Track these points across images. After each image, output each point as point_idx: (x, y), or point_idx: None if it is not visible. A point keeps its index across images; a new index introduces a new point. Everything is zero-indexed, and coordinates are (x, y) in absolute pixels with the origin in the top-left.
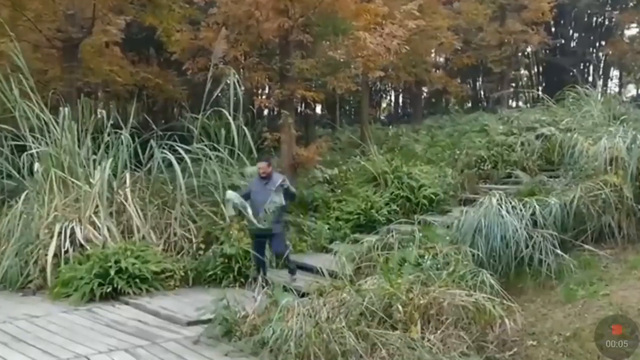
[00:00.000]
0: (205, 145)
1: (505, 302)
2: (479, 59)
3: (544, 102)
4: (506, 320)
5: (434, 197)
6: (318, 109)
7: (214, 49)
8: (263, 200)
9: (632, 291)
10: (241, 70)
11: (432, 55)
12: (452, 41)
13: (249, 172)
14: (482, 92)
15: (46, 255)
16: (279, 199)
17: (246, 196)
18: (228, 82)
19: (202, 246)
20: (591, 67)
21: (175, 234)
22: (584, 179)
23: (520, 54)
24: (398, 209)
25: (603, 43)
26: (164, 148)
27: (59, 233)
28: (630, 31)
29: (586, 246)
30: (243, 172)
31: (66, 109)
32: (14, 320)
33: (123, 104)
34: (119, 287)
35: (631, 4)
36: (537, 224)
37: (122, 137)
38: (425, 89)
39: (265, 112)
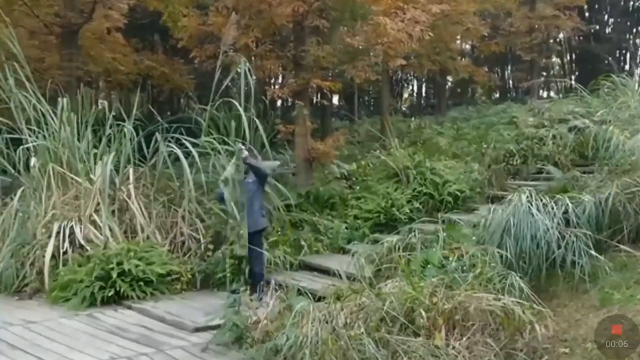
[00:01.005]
0: (214, 139)
1: (535, 306)
2: (508, 46)
3: (577, 92)
4: (537, 326)
5: (459, 194)
6: (335, 100)
7: (223, 36)
8: (243, 194)
9: None
10: (252, 58)
11: (458, 42)
12: (479, 27)
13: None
14: (510, 82)
15: (43, 256)
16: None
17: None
18: (238, 70)
19: (211, 247)
20: (628, 55)
21: (182, 234)
22: (620, 174)
23: (551, 40)
24: (421, 206)
25: None
26: (169, 141)
27: (57, 233)
28: None
29: (622, 247)
30: None
31: (65, 99)
32: (9, 327)
33: (126, 94)
34: (122, 290)
35: None
36: (569, 223)
37: (125, 129)
38: (450, 79)
39: (279, 103)
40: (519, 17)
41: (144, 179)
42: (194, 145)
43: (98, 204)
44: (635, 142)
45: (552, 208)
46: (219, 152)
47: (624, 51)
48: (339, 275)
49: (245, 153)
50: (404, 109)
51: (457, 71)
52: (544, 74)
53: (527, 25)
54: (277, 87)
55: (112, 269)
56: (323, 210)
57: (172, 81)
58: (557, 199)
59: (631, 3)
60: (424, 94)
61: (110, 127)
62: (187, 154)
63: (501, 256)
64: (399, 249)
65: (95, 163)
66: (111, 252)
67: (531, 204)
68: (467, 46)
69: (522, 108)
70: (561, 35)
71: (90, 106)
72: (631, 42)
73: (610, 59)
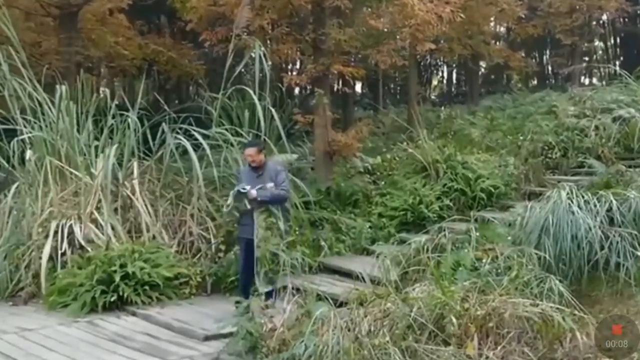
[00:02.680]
0: (226, 130)
1: (576, 312)
2: (546, 28)
3: (621, 79)
4: (578, 334)
5: (493, 190)
6: (358, 88)
7: (236, 17)
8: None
9: None
10: (268, 41)
11: (492, 24)
12: (515, 8)
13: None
14: (549, 68)
15: (40, 258)
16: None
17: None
18: (252, 55)
19: (223, 247)
20: None
21: (190, 234)
22: None
23: (594, 22)
24: (451, 204)
25: None
26: (177, 133)
27: (55, 232)
28: None
29: None
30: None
31: (63, 87)
32: (2, 335)
33: (130, 81)
34: (125, 295)
35: None
36: (614, 221)
37: (129, 120)
38: (483, 64)
39: (296, 91)
40: None
41: (150, 173)
42: (204, 136)
43: (99, 201)
44: None
45: (595, 205)
46: (232, 145)
47: None
48: (362, 278)
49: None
50: (433, 97)
51: (490, 56)
52: (586, 59)
53: (567, 6)
54: (294, 73)
55: (115, 271)
56: (345, 208)
57: (180, 67)
58: (600, 196)
59: None
60: (454, 81)
61: (113, 117)
62: (197, 147)
63: (539, 258)
64: (427, 249)
65: (96, 156)
66: (114, 254)
67: (572, 201)
68: (502, 29)
69: (562, 96)
70: (604, 17)
71: (91, 94)
72: None
73: None
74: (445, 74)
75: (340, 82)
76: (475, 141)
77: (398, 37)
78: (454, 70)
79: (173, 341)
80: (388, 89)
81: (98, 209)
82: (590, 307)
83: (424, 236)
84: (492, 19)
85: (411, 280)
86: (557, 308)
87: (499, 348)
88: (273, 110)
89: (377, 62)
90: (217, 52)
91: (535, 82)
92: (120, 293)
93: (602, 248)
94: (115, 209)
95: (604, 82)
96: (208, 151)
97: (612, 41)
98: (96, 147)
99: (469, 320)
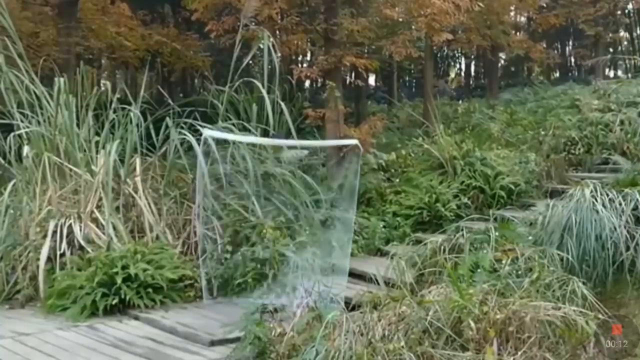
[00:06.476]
0: (233, 125)
1: (601, 316)
2: (569, 18)
3: None
4: (602, 339)
5: (513, 187)
6: (371, 80)
7: (243, 7)
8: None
9: None
10: (277, 32)
11: (512, 14)
12: None
13: (288, 158)
14: (572, 60)
15: (38, 259)
16: None
17: None
18: (261, 47)
19: (229, 248)
20: None
21: (196, 234)
22: None
23: (619, 12)
24: (469, 202)
25: None
26: (182, 128)
27: (54, 232)
28: None
29: None
30: (279, 158)
31: (62, 79)
32: None
33: (132, 74)
34: (127, 298)
35: None
36: None
37: (131, 114)
38: (502, 56)
39: (307, 83)
40: None
41: (153, 170)
42: None
43: (100, 199)
44: None
45: (620, 204)
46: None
47: None
48: (376, 280)
49: None
50: (450, 90)
51: (510, 47)
52: (611, 50)
53: None
54: (304, 65)
55: (117, 273)
56: (358, 207)
57: (184, 59)
58: (626, 194)
59: None
60: (472, 74)
61: (115, 112)
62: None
63: (561, 259)
64: (444, 250)
65: (97, 152)
66: (115, 255)
67: (596, 199)
68: (523, 19)
69: (585, 89)
70: (630, 6)
71: (91, 87)
72: None
73: None
74: (463, 66)
75: (353, 75)
76: (494, 136)
77: (413, 27)
78: (472, 62)
79: (177, 346)
80: (403, 82)
81: (99, 207)
82: (616, 311)
83: (440, 236)
84: (512, 8)
85: (427, 282)
86: (580, 312)
87: (519, 353)
88: (282, 104)
89: (392, 53)
90: (223, 43)
91: (557, 74)
92: (122, 296)
93: (627, 249)
94: (117, 208)
95: (629, 75)
96: (214, 147)
97: (638, 31)
98: (97, 142)
99: (487, 324)
